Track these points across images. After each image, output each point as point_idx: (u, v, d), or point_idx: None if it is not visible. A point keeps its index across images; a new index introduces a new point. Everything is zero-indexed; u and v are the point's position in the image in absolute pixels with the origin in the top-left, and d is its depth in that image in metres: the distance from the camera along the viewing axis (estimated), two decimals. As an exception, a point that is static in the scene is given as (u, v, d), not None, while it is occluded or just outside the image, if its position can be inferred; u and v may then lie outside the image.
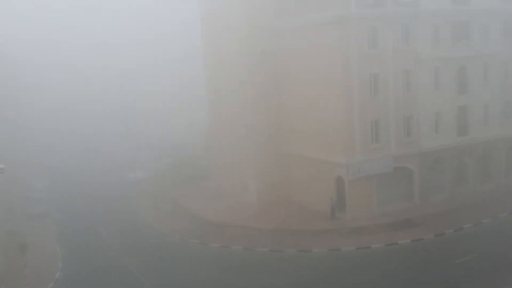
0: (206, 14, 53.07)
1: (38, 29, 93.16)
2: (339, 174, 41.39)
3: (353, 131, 40.64)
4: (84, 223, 48.04)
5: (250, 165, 47.24)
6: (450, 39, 44.09)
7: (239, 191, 48.86)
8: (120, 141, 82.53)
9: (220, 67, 50.61)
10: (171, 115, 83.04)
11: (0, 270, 36.02)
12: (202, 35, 54.69)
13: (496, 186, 46.55)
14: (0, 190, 49.37)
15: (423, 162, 43.57)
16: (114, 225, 46.24)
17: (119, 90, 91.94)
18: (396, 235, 37.14)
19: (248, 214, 44.46)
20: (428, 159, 43.86)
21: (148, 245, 40.41)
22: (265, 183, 46.51)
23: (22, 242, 35.43)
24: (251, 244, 37.96)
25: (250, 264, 34.79)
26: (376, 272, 31.70)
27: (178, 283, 32.68)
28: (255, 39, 45.77)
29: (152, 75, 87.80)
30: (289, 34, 45.23)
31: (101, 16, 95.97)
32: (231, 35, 47.88)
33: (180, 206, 49.73)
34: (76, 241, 43.05)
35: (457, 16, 44.21)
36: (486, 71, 46.20)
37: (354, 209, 40.75)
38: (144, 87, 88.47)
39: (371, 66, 40.79)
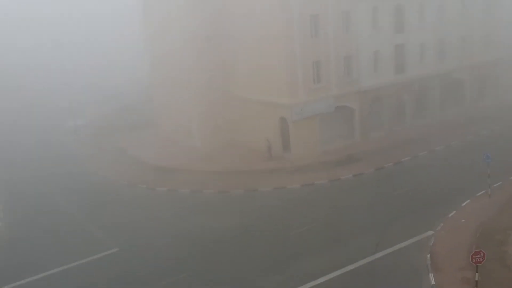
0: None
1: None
2: (282, 115, 41.98)
3: (295, 72, 40.95)
4: (21, 171, 46.78)
5: (193, 109, 47.00)
6: (388, -23, 44.59)
7: (184, 136, 48.75)
8: (59, 87, 79.74)
9: (162, 15, 49.12)
10: (112, 60, 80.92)
11: None
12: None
13: (431, 121, 48.68)
14: None
15: (363, 100, 44.78)
16: (56, 173, 45.15)
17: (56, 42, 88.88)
18: (338, 171, 38.56)
19: (193, 157, 44.64)
20: (368, 98, 45.09)
21: (93, 191, 39.96)
22: (210, 126, 46.55)
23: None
24: (198, 186, 38.38)
25: (198, 206, 35.28)
26: (319, 207, 33.03)
27: (125, 226, 32.78)
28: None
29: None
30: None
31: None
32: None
33: (125, 153, 49.10)
34: (13, 190, 42.08)
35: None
36: (422, 10, 47.27)
37: (298, 148, 41.69)
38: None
39: (311, 7, 40.72)
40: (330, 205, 33.22)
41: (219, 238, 29.95)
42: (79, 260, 28.65)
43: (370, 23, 44.38)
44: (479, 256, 21.71)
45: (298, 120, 41.28)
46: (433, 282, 23.28)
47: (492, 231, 27.13)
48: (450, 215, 29.65)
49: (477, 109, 51.47)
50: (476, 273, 22.21)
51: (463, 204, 30.85)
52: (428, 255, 25.51)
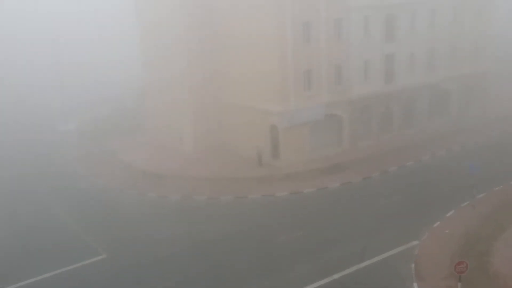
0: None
1: None
2: (273, 122, 42.34)
3: (286, 80, 41.31)
4: (12, 175, 46.69)
5: (185, 115, 47.28)
6: (379, -13, 45.14)
7: (174, 142, 48.97)
8: (51, 92, 79.60)
9: (154, 20, 49.32)
10: (103, 67, 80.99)
11: None
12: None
13: (419, 131, 49.29)
14: None
15: (352, 109, 45.25)
16: (47, 177, 45.20)
17: (52, 41, 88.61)
18: (326, 180, 39.03)
19: (184, 163, 44.87)
20: (357, 106, 45.56)
21: (83, 196, 40.02)
22: (200, 132, 46.85)
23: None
24: (189, 192, 38.67)
25: (188, 212, 35.56)
26: (307, 215, 33.45)
27: (116, 232, 32.99)
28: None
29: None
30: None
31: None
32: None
33: (115, 157, 49.19)
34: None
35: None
36: (413, 20, 47.81)
37: (287, 156, 42.03)
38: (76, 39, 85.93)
39: (304, 15, 41.13)
40: (317, 214, 33.65)
41: (207, 244, 30.23)
42: (66, 267, 28.75)
43: (361, 32, 44.77)
44: (462, 266, 22.24)
45: (288, 127, 41.68)
46: (416, 291, 23.80)
47: (475, 242, 27.68)
48: (435, 225, 30.20)
49: (464, 120, 52.08)
50: (459, 283, 22.70)
51: (448, 215, 31.43)
52: (413, 265, 26.00)
